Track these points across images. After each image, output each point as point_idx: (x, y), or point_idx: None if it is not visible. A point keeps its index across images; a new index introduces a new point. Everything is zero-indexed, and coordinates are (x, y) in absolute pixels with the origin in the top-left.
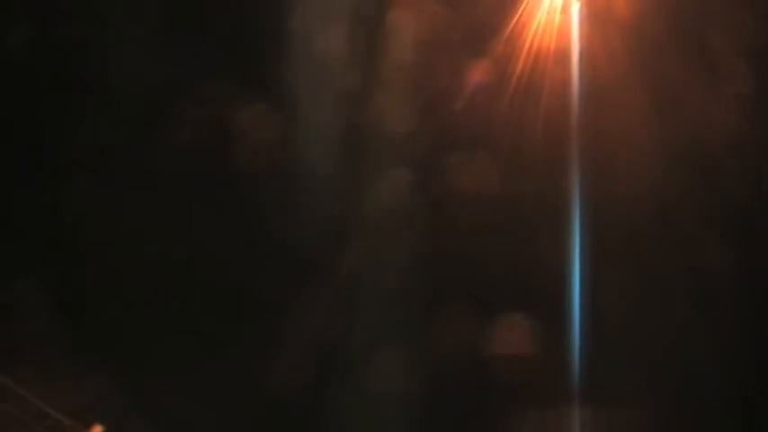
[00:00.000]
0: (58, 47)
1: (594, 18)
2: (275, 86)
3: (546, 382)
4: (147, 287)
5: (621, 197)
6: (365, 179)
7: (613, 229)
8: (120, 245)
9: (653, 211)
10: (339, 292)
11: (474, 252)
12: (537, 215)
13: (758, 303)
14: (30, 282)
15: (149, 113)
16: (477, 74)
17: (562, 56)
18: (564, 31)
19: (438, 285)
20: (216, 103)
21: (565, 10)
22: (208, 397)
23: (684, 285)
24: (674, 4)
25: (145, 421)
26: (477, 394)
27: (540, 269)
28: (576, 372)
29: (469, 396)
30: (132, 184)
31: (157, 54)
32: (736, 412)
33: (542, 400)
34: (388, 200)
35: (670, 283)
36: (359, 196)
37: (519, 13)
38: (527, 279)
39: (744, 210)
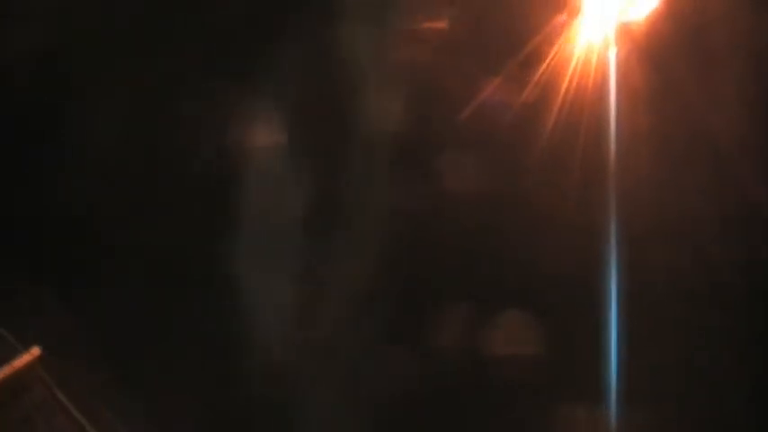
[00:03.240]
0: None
1: (631, 61)
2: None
3: (573, 383)
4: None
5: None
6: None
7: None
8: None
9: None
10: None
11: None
12: (570, 228)
13: None
14: None
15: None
16: (511, 115)
17: (598, 99)
18: (600, 74)
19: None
20: (217, 104)
21: (601, 55)
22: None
23: (706, 290)
24: (711, 46)
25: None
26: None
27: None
28: (605, 373)
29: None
30: (128, 183)
31: (156, 52)
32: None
33: (569, 400)
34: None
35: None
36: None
37: (553, 56)
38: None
39: None
